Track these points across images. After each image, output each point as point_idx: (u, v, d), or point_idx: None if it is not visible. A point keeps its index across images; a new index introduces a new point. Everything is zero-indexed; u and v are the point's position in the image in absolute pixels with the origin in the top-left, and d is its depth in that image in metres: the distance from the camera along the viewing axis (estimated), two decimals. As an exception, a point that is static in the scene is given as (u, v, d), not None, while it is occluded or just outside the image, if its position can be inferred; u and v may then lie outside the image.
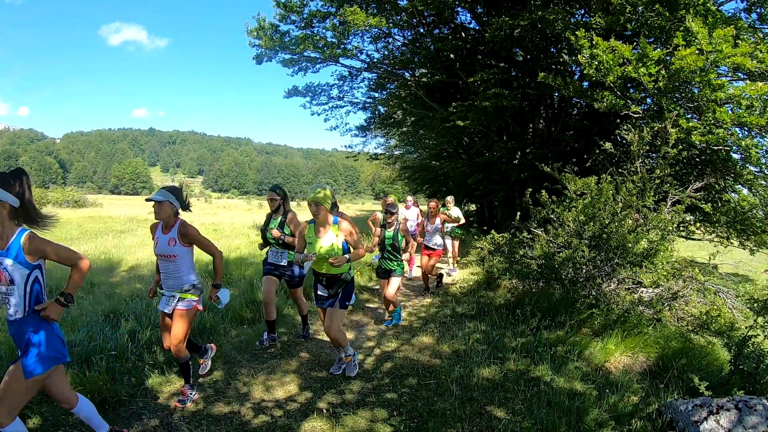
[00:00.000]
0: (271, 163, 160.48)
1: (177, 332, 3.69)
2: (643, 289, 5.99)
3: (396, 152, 27.89)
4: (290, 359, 4.85)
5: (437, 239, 8.02)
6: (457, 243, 10.95)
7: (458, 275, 9.97)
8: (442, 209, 10.00)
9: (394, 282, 6.13)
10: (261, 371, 4.51)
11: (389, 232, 6.25)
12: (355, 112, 21.34)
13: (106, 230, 18.96)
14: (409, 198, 10.70)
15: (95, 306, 6.04)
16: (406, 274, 9.66)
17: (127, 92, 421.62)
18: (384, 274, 6.31)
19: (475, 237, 13.22)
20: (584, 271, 6.08)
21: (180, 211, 3.81)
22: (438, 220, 8.06)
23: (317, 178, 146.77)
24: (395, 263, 6.21)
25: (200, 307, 3.84)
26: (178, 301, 3.70)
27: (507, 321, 5.85)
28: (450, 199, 10.41)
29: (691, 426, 3.06)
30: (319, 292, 4.31)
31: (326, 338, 5.61)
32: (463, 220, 10.40)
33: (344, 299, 4.28)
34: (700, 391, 3.45)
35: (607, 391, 3.90)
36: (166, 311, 3.73)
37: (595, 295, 5.85)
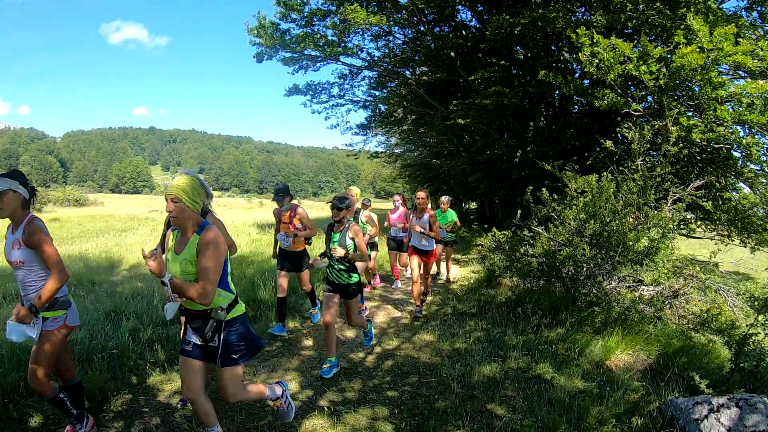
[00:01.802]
0: (272, 162, 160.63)
1: (36, 360, 2.89)
2: (643, 287, 5.99)
3: (397, 150, 27.92)
4: (291, 357, 4.86)
5: (427, 239, 6.50)
6: (451, 248, 9.17)
7: (459, 273, 9.95)
8: (436, 212, 8.50)
9: (352, 307, 4.67)
10: (262, 369, 4.52)
11: (336, 235, 4.49)
12: (355, 111, 21.46)
13: (107, 229, 19.00)
14: (397, 196, 8.41)
15: (96, 304, 6.06)
16: (396, 284, 8.58)
17: (128, 91, 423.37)
18: (336, 290, 4.59)
19: (476, 235, 13.22)
20: (585, 269, 6.09)
21: (28, 200, 2.94)
22: (426, 216, 6.43)
23: (318, 177, 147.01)
24: (345, 277, 4.55)
25: (71, 324, 3.05)
26: (42, 322, 2.89)
27: (508, 319, 5.85)
28: (445, 199, 8.74)
29: (692, 424, 3.07)
30: (187, 337, 2.82)
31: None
32: (457, 224, 8.89)
33: (230, 352, 2.77)
34: (701, 389, 3.45)
35: (607, 389, 3.91)
36: (32, 336, 2.84)
37: (595, 293, 5.85)
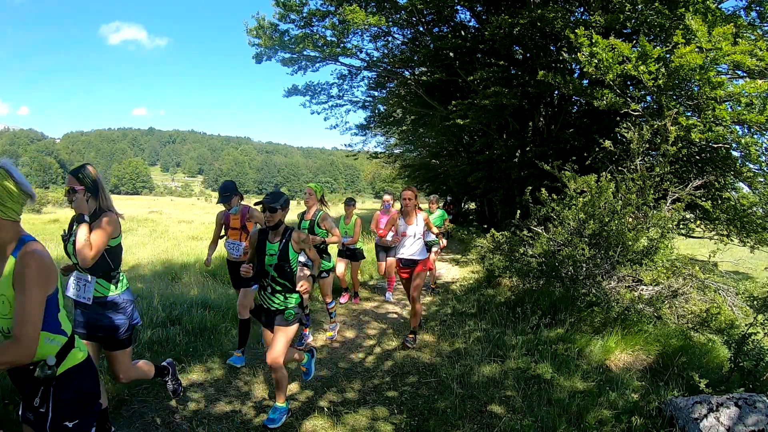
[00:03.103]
0: (271, 162, 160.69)
1: None
2: (643, 286, 6.00)
3: (396, 151, 27.94)
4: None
5: (417, 247, 5.27)
6: (434, 253, 8.01)
7: (458, 273, 9.95)
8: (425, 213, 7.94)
9: (282, 338, 3.43)
10: (262, 370, 4.52)
11: (273, 245, 3.44)
12: (354, 111, 21.47)
13: (107, 230, 18.97)
14: (387, 197, 7.31)
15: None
16: (388, 296, 7.54)
17: (127, 91, 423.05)
18: (266, 317, 3.56)
19: (475, 235, 13.22)
20: (584, 269, 6.09)
21: None
22: (420, 219, 5.27)
23: (317, 177, 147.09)
24: (283, 300, 3.45)
25: None
26: None
27: (507, 319, 5.86)
28: (433, 198, 8.00)
29: (691, 423, 3.07)
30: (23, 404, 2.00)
31: (325, 338, 5.62)
32: (444, 226, 7.93)
33: (64, 418, 1.95)
34: (701, 388, 3.46)
35: (607, 388, 3.91)
36: None
37: (595, 293, 5.86)
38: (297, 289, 3.44)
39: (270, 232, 3.50)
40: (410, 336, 5.34)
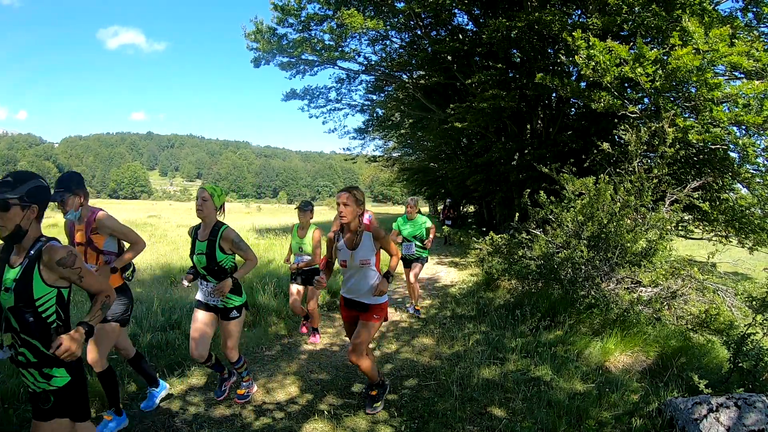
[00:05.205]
0: (270, 166, 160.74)
1: None
2: (642, 288, 6.00)
3: (394, 154, 27.96)
4: (290, 362, 4.85)
5: (366, 283, 3.49)
6: (419, 268, 6.54)
7: (457, 276, 9.94)
8: (398, 222, 6.51)
9: None
10: (262, 374, 4.51)
11: (12, 270, 2.03)
12: (353, 115, 21.41)
13: (105, 234, 18.93)
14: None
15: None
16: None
17: (126, 96, 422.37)
18: (39, 414, 2.11)
19: (474, 238, 13.21)
20: (583, 270, 6.10)
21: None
22: (367, 238, 3.46)
23: (316, 181, 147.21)
24: (38, 379, 2.06)
25: None
26: None
27: (506, 321, 5.86)
28: (411, 201, 6.56)
29: (691, 424, 3.07)
30: None
31: (325, 341, 5.62)
32: (429, 239, 6.51)
33: None
34: (700, 389, 3.46)
35: (607, 390, 3.91)
36: None
37: (594, 295, 5.86)
38: (55, 352, 1.92)
39: (14, 247, 2.07)
40: (375, 404, 3.72)
